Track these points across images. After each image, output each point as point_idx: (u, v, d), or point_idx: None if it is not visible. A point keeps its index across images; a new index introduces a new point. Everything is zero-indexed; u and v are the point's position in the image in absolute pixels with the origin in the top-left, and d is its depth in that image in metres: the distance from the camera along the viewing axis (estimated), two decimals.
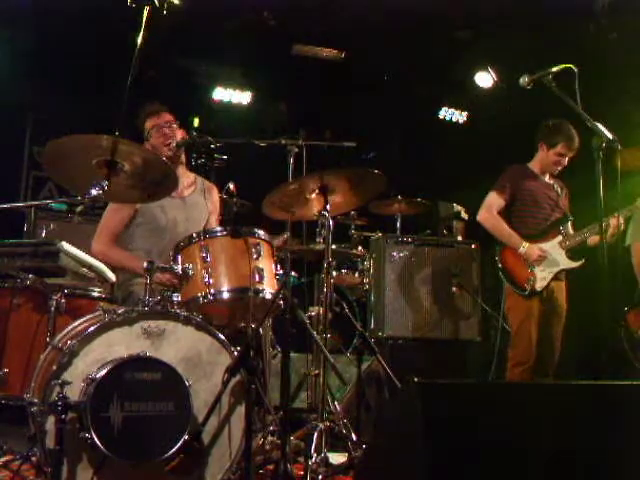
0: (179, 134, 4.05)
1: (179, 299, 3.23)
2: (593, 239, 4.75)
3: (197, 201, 4.10)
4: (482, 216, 4.97)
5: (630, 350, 4.92)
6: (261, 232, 3.39)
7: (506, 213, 4.90)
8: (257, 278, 3.21)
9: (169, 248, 3.58)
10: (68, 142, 2.91)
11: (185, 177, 4.11)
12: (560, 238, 4.80)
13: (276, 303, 3.17)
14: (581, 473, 2.09)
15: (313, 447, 3.22)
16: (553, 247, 4.79)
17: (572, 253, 4.79)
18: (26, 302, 3.28)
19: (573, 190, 5.17)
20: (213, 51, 6.72)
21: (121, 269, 3.79)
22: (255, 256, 3.26)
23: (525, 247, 4.75)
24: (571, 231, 4.86)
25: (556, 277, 4.77)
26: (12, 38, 6.19)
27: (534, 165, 4.99)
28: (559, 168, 4.94)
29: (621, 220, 4.47)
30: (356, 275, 5.86)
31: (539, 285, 4.72)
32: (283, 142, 3.86)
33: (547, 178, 5.00)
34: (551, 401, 2.17)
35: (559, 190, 4.98)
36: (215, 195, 4.19)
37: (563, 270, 4.79)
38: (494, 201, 4.91)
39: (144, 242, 3.93)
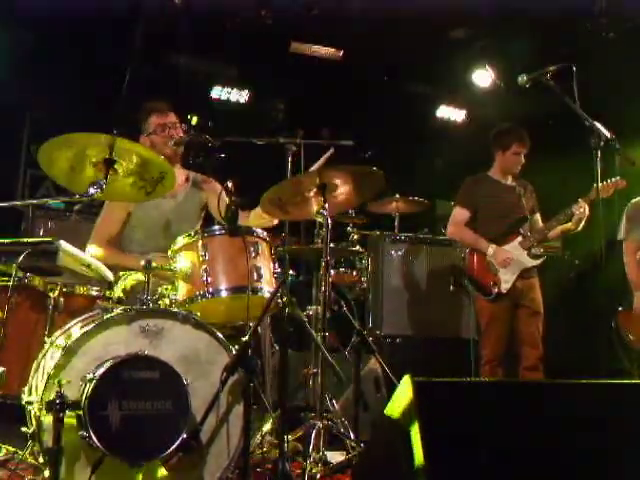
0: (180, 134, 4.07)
1: (177, 297, 3.23)
2: (555, 231, 4.94)
3: (190, 198, 4.11)
4: (450, 231, 5.23)
5: (623, 353, 4.96)
6: (259, 230, 3.39)
7: (472, 223, 5.09)
8: (255, 277, 3.21)
9: (164, 247, 3.58)
10: (66, 140, 2.91)
11: (179, 175, 4.11)
12: (520, 239, 4.94)
13: (274, 302, 3.17)
14: (581, 473, 2.09)
15: (311, 446, 3.22)
16: (514, 248, 4.93)
17: (533, 250, 4.92)
18: (24, 301, 3.26)
19: (570, 189, 5.19)
20: (211, 49, 6.72)
21: (119, 268, 3.79)
22: (253, 255, 3.26)
23: (493, 248, 4.91)
24: (529, 231, 5.00)
25: (523, 276, 4.90)
26: (12, 36, 6.18)
27: (494, 172, 5.17)
28: (519, 167, 5.10)
29: (585, 206, 4.69)
30: (354, 273, 5.85)
31: (504, 287, 4.87)
32: (281, 141, 3.85)
33: (509, 181, 5.16)
34: (550, 400, 2.17)
35: (521, 191, 5.10)
36: (213, 186, 4.15)
37: (526, 269, 4.90)
38: (458, 215, 5.14)
39: (139, 243, 3.95)
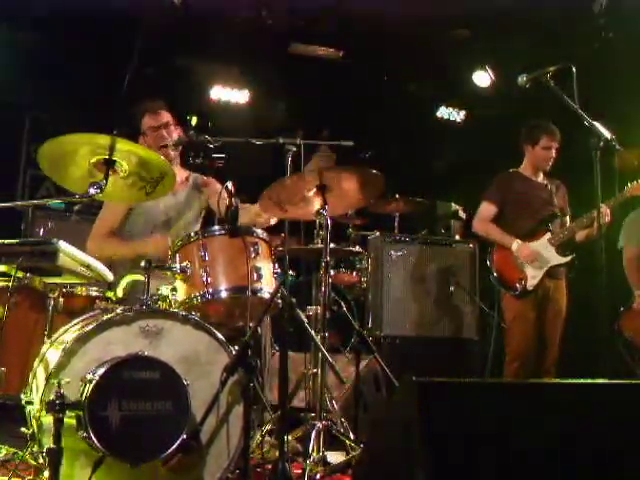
0: (175, 134, 4.05)
1: (177, 298, 3.23)
2: (580, 235, 4.87)
3: (189, 197, 4.11)
4: (475, 226, 5.18)
5: (627, 354, 4.96)
6: (259, 231, 3.39)
7: (498, 219, 5.04)
8: (255, 277, 3.21)
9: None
10: (66, 140, 2.91)
11: (179, 174, 4.11)
12: (549, 235, 4.89)
13: (274, 302, 3.17)
14: (581, 473, 2.09)
15: (311, 446, 3.22)
16: (543, 245, 4.87)
17: (562, 249, 4.86)
18: (24, 301, 3.26)
19: (570, 190, 5.20)
20: (211, 50, 6.72)
21: (120, 257, 3.79)
22: (253, 255, 3.26)
23: (518, 244, 4.85)
24: (559, 228, 4.94)
25: (551, 275, 4.85)
26: (12, 37, 6.18)
27: (525, 168, 5.12)
28: (550, 162, 5.04)
29: (607, 211, 4.58)
30: (354, 274, 5.86)
31: (530, 284, 4.81)
32: (281, 141, 3.85)
33: (540, 178, 5.11)
34: (551, 400, 2.17)
35: (553, 189, 5.06)
36: (214, 186, 4.14)
37: (554, 266, 4.85)
38: (485, 210, 5.10)
39: (139, 238, 3.94)
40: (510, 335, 4.88)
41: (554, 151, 5.00)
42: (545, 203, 4.99)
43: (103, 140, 2.90)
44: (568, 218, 5.08)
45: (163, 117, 4.08)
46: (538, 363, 4.83)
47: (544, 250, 4.83)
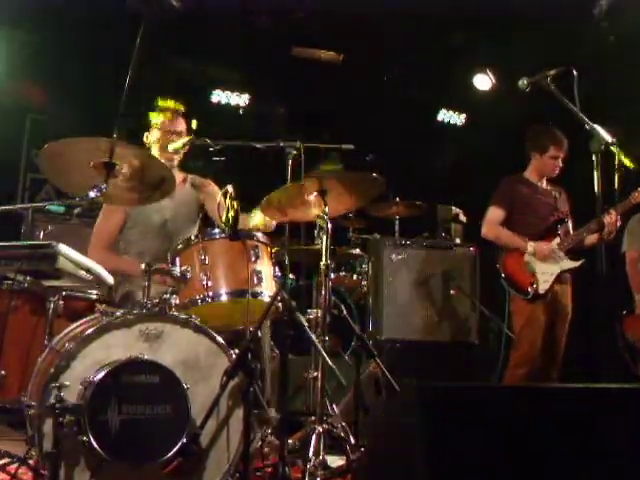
0: (180, 142, 4.05)
1: (177, 301, 3.22)
2: (590, 239, 4.83)
3: (186, 199, 4.11)
4: (485, 232, 5.06)
5: (628, 356, 4.95)
6: (259, 235, 3.39)
7: (506, 224, 4.97)
8: (255, 280, 3.21)
9: (162, 248, 3.58)
10: (66, 144, 2.91)
11: (177, 175, 4.11)
12: (558, 240, 4.84)
13: (274, 305, 3.17)
14: (581, 475, 2.09)
15: (311, 450, 3.21)
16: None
17: (572, 253, 4.82)
18: (23, 304, 3.26)
19: (571, 192, 5.20)
20: (212, 53, 6.72)
21: (119, 273, 3.79)
22: (253, 258, 3.26)
23: (532, 246, 4.79)
24: (564, 234, 4.90)
25: (560, 280, 4.80)
26: (12, 38, 6.19)
27: (530, 174, 5.06)
28: (557, 170, 5.00)
29: (616, 215, 4.56)
30: (354, 277, 5.85)
31: (542, 287, 4.74)
32: (281, 144, 3.85)
33: (544, 184, 5.07)
34: (551, 404, 2.16)
35: (557, 195, 5.03)
36: (210, 188, 4.14)
37: (564, 271, 4.81)
38: (494, 215, 5.00)
39: (137, 245, 3.95)
40: (520, 340, 4.77)
41: (561, 160, 4.95)
42: (551, 209, 4.96)
43: (103, 144, 2.89)
44: (570, 223, 5.06)
45: (180, 125, 4.09)
46: (544, 369, 4.75)
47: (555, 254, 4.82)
